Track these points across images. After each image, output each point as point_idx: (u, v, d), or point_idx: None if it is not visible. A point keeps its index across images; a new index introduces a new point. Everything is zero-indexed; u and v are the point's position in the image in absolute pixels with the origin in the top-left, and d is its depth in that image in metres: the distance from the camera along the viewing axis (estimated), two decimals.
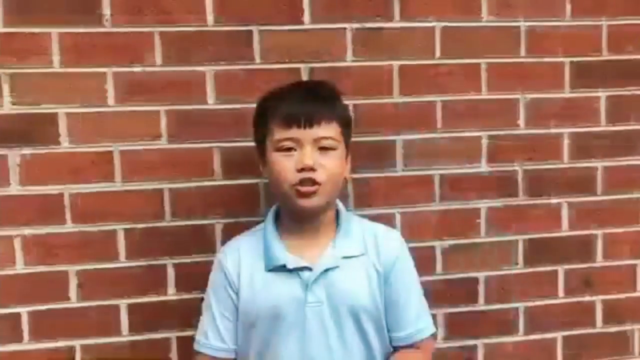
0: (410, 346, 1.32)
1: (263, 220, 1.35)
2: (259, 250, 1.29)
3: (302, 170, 1.21)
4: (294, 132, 1.22)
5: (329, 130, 1.24)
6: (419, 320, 1.33)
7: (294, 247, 1.27)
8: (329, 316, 1.24)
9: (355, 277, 1.27)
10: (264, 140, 1.27)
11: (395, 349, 1.32)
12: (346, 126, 1.30)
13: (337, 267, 1.26)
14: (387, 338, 1.31)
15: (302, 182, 1.22)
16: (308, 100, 1.25)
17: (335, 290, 1.25)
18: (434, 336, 1.37)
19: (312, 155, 1.22)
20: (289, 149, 1.23)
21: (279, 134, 1.23)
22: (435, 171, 1.57)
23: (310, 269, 1.25)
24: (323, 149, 1.23)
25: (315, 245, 1.28)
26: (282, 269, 1.25)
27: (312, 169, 1.21)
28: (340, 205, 1.34)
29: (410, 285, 1.33)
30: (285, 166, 1.23)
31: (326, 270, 1.25)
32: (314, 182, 1.22)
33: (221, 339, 1.29)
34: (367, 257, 1.29)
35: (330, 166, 1.24)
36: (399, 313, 1.30)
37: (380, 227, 1.36)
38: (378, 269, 1.29)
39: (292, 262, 1.25)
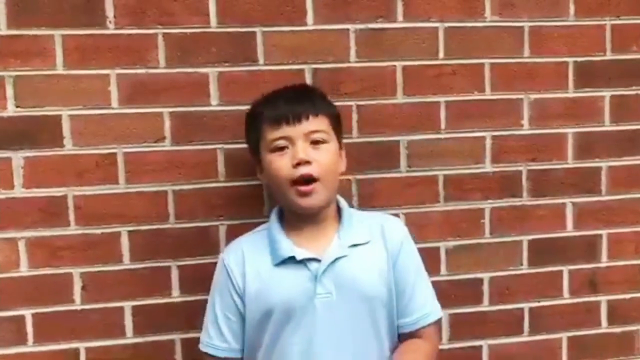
0: (417, 331, 1.32)
1: (267, 222, 1.35)
2: (264, 247, 1.30)
3: (297, 165, 1.23)
4: (284, 130, 1.25)
5: (318, 124, 1.27)
6: (427, 304, 1.35)
7: (300, 242, 1.29)
8: (339, 307, 1.25)
9: (364, 264, 1.28)
10: (258, 146, 1.30)
11: (401, 337, 1.33)
12: (335, 120, 1.33)
13: (345, 256, 1.27)
14: (395, 325, 1.32)
15: (299, 180, 1.23)
16: (293, 98, 1.29)
17: (344, 279, 1.26)
18: (440, 322, 1.38)
19: (305, 150, 1.24)
20: (282, 148, 1.25)
21: (270, 134, 1.26)
22: (440, 172, 1.57)
23: (318, 260, 1.26)
24: (315, 143, 1.26)
25: (321, 239, 1.29)
26: (290, 262, 1.26)
27: (307, 162, 1.23)
28: (342, 201, 1.35)
29: (417, 269, 1.35)
30: (281, 164, 1.25)
31: (334, 261, 1.26)
32: (311, 177, 1.23)
33: (224, 339, 1.30)
34: (373, 244, 1.30)
35: (325, 160, 1.26)
36: (407, 297, 1.32)
37: (382, 215, 1.39)
38: (386, 256, 1.30)
39: (300, 253, 1.26)
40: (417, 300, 1.33)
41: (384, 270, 1.30)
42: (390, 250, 1.31)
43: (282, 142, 1.26)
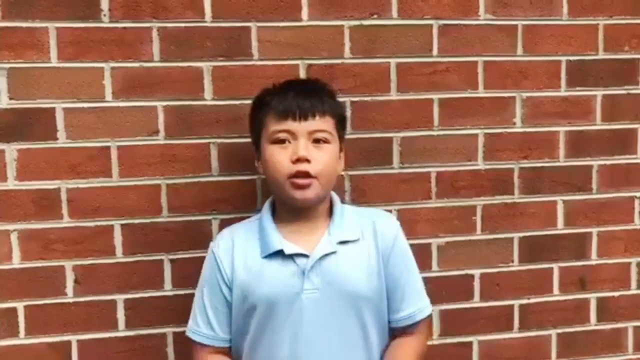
0: (409, 327, 1.34)
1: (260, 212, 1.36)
2: (255, 238, 1.30)
3: (296, 161, 1.23)
4: (289, 125, 1.24)
5: (323, 124, 1.27)
6: (420, 299, 1.36)
7: (290, 236, 1.29)
8: (326, 303, 1.25)
9: (352, 262, 1.29)
10: (260, 135, 1.29)
11: (394, 331, 1.34)
12: (340, 121, 1.33)
13: (333, 252, 1.27)
14: (386, 326, 1.33)
15: (297, 174, 1.23)
16: (303, 94, 1.27)
17: (331, 276, 1.26)
18: (431, 317, 1.39)
19: (307, 148, 1.24)
20: (284, 141, 1.25)
21: (274, 126, 1.26)
22: (432, 168, 1.58)
23: (306, 256, 1.26)
24: (317, 142, 1.26)
25: (311, 234, 1.29)
26: (278, 256, 1.26)
27: (306, 160, 1.23)
28: (335, 197, 1.35)
29: (409, 265, 1.36)
30: (280, 158, 1.25)
31: (322, 257, 1.26)
32: (308, 174, 1.23)
33: (210, 327, 1.31)
34: (364, 242, 1.30)
35: (324, 160, 1.26)
36: (401, 293, 1.33)
37: (374, 211, 1.40)
38: (377, 253, 1.30)
39: (289, 248, 1.26)
40: (411, 296, 1.35)
41: (374, 268, 1.30)
42: (382, 247, 1.31)
43: (284, 135, 1.25)
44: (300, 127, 1.24)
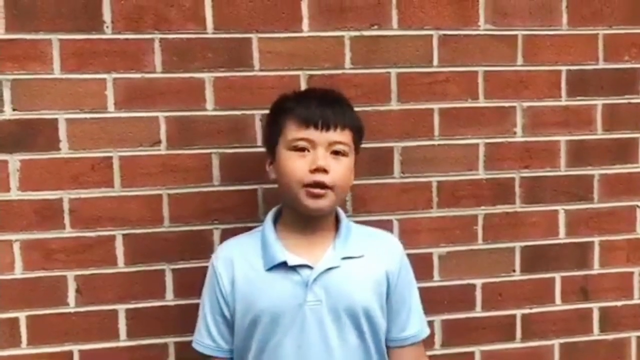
0: (414, 344, 1.36)
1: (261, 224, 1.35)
2: (257, 251, 1.29)
3: (314, 171, 1.23)
4: (310, 133, 1.24)
5: (343, 136, 1.27)
6: (422, 319, 1.39)
7: (293, 248, 1.29)
8: (328, 315, 1.25)
9: (355, 278, 1.29)
10: (276, 139, 1.29)
11: (395, 350, 1.34)
12: (359, 135, 1.33)
13: (337, 267, 1.27)
14: (383, 342, 1.33)
15: (313, 184, 1.23)
16: (326, 104, 1.27)
17: (334, 290, 1.26)
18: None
19: (325, 158, 1.24)
20: (302, 149, 1.25)
21: (294, 133, 1.25)
22: (433, 178, 1.58)
23: (310, 267, 1.26)
24: (335, 153, 1.26)
25: (315, 247, 1.29)
26: (281, 268, 1.26)
27: (324, 171, 1.23)
28: (341, 212, 1.36)
29: (413, 285, 1.38)
30: (297, 165, 1.24)
31: (326, 270, 1.26)
32: (324, 185, 1.23)
33: (212, 339, 1.32)
34: (368, 259, 1.31)
35: (341, 172, 1.26)
36: (409, 312, 1.35)
37: (380, 232, 1.40)
38: (381, 273, 1.31)
39: (292, 259, 1.26)
40: (416, 314, 1.37)
41: (378, 285, 1.30)
42: (390, 268, 1.32)
43: (303, 144, 1.25)
44: (322, 137, 1.24)
